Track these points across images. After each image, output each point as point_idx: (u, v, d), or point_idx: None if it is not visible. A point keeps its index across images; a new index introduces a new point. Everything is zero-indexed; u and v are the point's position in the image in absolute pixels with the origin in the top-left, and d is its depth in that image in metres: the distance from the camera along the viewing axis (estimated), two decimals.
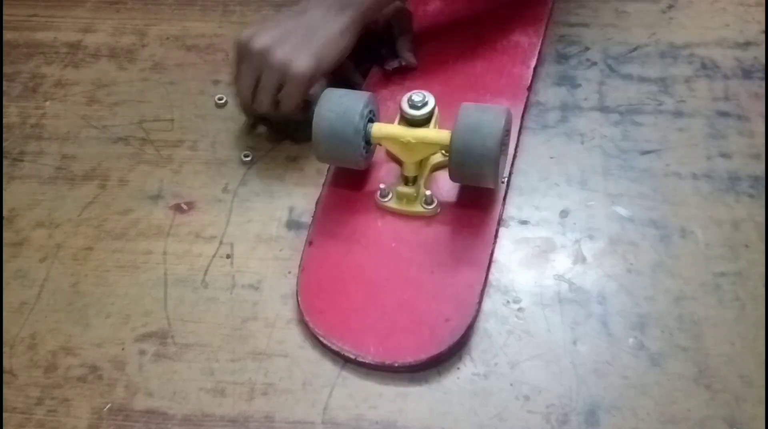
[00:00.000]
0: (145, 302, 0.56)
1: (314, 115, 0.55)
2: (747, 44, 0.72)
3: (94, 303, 0.56)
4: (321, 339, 0.52)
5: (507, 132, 0.55)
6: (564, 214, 0.60)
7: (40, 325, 0.55)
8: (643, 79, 0.69)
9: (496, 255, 0.57)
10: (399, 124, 0.57)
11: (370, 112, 0.57)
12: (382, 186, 0.58)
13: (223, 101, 0.68)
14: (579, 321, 0.54)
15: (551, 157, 0.63)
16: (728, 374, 0.51)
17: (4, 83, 0.71)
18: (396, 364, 0.51)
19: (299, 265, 0.56)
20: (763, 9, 0.75)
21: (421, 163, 0.58)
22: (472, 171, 0.54)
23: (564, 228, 0.59)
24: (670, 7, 0.76)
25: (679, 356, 0.52)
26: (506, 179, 0.60)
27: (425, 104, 0.55)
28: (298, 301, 0.54)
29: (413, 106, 0.55)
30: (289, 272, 0.57)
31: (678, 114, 0.66)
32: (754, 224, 0.58)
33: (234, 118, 0.67)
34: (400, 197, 0.58)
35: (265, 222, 0.60)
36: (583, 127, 0.65)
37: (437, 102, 0.56)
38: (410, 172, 0.58)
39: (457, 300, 0.53)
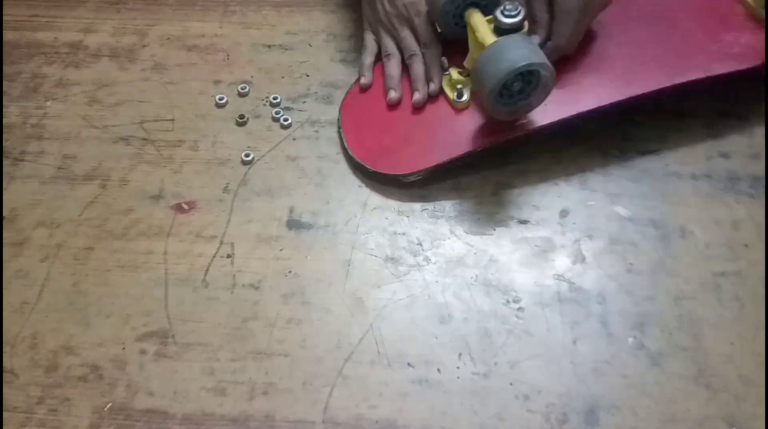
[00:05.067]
0: (145, 302, 0.56)
1: None
2: None
3: (95, 303, 0.56)
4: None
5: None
6: (564, 213, 0.60)
7: (41, 325, 0.55)
8: None
9: (496, 255, 0.58)
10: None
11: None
12: (444, 58, 0.63)
13: (223, 101, 0.68)
14: (579, 321, 0.54)
15: (551, 157, 0.63)
16: (728, 374, 0.51)
17: (5, 83, 0.71)
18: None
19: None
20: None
21: None
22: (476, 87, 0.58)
23: (564, 228, 0.59)
24: None
25: (678, 356, 0.52)
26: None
27: (518, 14, 0.57)
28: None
29: (506, 14, 0.57)
30: (290, 272, 0.57)
31: (678, 114, 0.66)
32: (753, 224, 0.59)
33: (234, 117, 0.67)
34: (447, 81, 0.63)
35: (266, 222, 0.60)
36: (583, 127, 0.65)
37: None
38: (468, 65, 0.62)
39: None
